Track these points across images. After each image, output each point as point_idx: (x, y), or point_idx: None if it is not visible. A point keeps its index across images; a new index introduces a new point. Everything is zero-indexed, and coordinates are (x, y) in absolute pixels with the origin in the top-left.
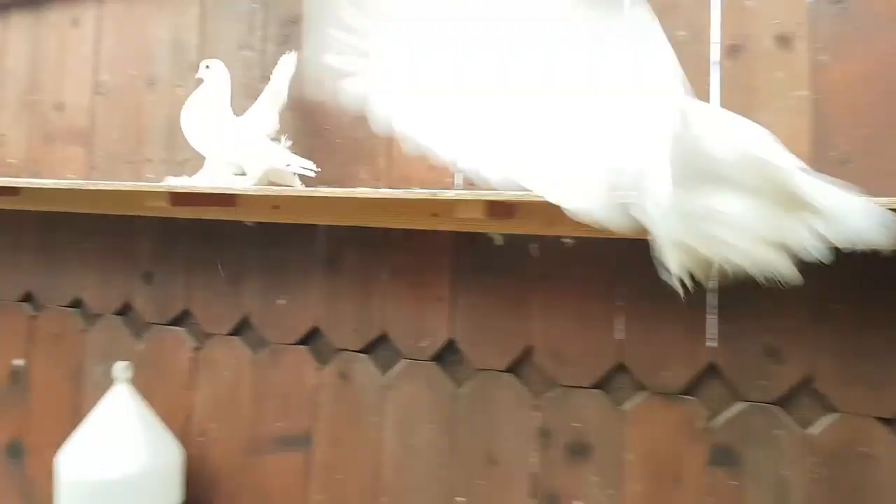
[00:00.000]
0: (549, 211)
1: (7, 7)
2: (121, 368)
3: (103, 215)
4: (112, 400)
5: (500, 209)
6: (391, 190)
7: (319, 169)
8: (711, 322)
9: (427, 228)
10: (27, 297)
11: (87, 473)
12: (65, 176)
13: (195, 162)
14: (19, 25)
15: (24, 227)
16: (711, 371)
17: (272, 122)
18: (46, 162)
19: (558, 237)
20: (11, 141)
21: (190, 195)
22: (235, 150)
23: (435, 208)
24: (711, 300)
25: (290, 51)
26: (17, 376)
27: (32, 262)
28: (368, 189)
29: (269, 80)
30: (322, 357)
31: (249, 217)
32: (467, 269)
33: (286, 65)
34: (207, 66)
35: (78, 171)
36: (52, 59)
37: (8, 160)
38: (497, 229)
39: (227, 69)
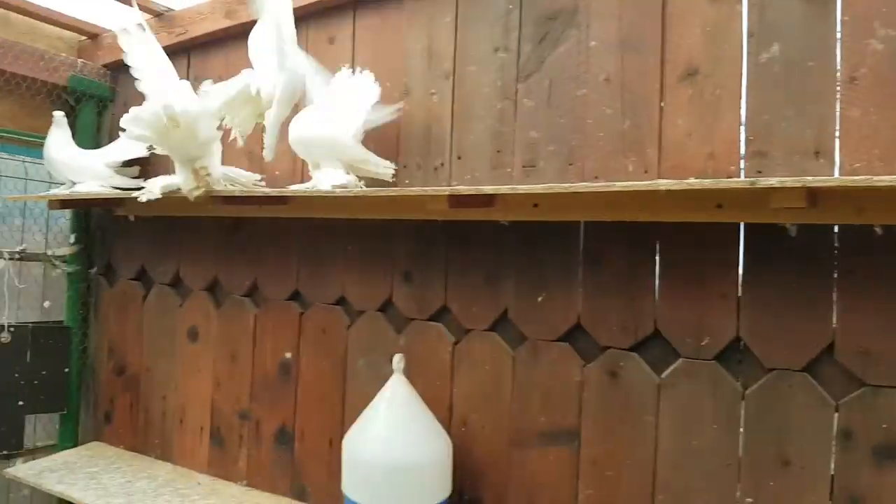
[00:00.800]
0: (860, 197)
1: None
2: (398, 360)
3: (363, 220)
4: (391, 389)
5: (811, 197)
6: (701, 180)
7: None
8: None
9: (708, 221)
10: (295, 296)
11: (373, 458)
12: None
13: (448, 167)
14: None
15: (291, 234)
16: None
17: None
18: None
19: (867, 225)
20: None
21: (465, 197)
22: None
23: (731, 198)
24: None
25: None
26: (285, 368)
27: (299, 264)
28: (671, 181)
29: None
30: (587, 354)
31: (508, 216)
32: (756, 263)
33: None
34: None
35: None
36: None
37: (276, 173)
38: (802, 219)
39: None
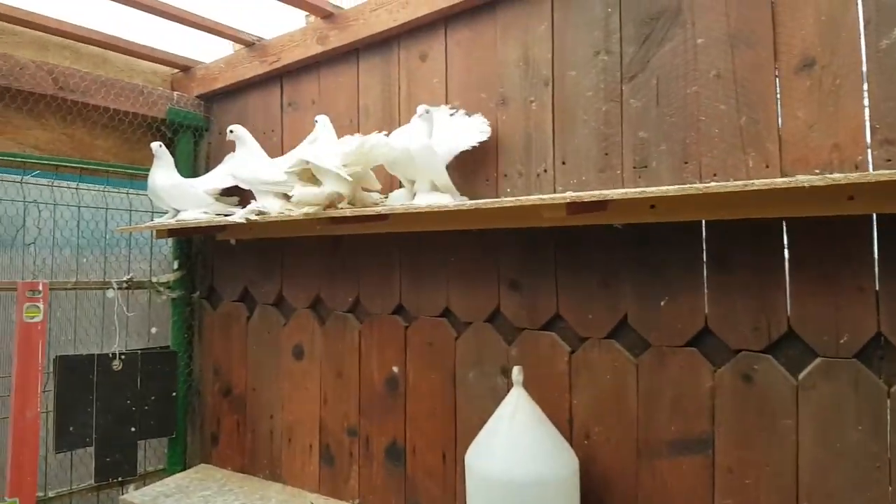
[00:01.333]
0: None
1: (355, 51)
2: (517, 372)
3: (464, 231)
4: (512, 402)
5: None
6: (847, 174)
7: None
8: None
9: (838, 214)
10: (399, 310)
11: (498, 474)
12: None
13: (552, 173)
14: (369, 66)
15: (391, 249)
16: None
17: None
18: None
19: None
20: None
21: (583, 203)
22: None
23: (864, 189)
24: None
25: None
26: (393, 383)
27: (401, 278)
28: (811, 176)
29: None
30: (717, 358)
31: (622, 219)
32: (892, 254)
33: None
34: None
35: None
36: (403, 93)
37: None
38: None
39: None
